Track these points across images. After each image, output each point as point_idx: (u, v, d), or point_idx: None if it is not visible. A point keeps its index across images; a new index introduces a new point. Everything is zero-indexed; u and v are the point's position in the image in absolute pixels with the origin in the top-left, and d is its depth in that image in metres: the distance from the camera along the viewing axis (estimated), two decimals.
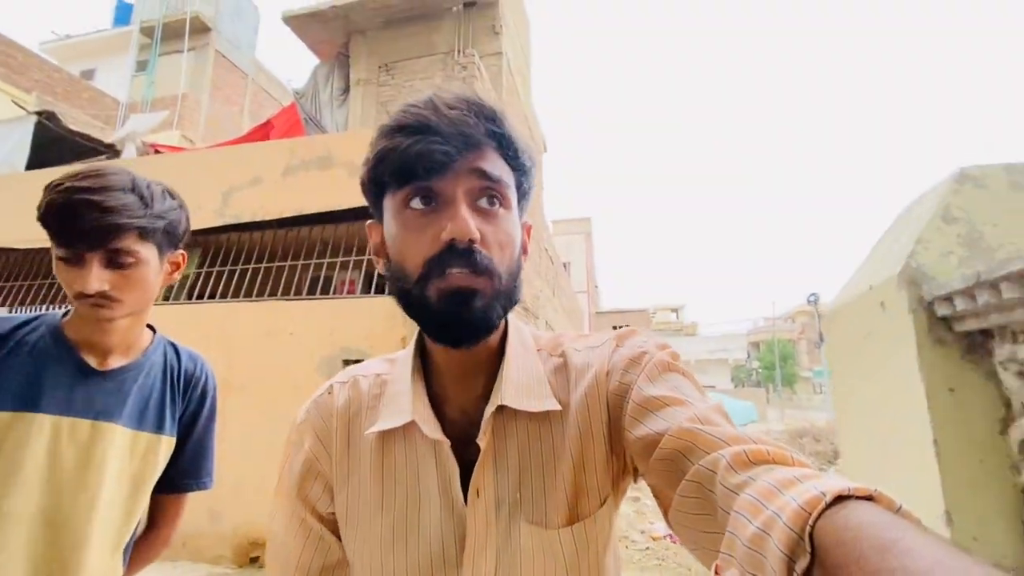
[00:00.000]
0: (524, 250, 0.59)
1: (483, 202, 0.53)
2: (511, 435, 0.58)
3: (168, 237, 0.90)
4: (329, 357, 4.09)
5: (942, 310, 1.34)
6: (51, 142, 6.55)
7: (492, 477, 0.57)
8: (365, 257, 4.56)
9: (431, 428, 0.56)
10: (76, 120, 7.52)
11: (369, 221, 0.60)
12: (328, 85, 7.21)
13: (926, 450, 1.30)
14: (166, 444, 0.95)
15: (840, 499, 0.31)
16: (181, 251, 0.96)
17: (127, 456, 0.89)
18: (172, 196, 0.92)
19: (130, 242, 0.82)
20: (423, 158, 0.49)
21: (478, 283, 0.50)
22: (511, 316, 0.61)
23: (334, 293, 4.73)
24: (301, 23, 7.17)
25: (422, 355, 0.62)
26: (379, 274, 4.40)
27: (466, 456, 0.57)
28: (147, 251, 0.85)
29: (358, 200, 4.34)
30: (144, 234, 0.84)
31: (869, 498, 0.31)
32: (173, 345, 1.02)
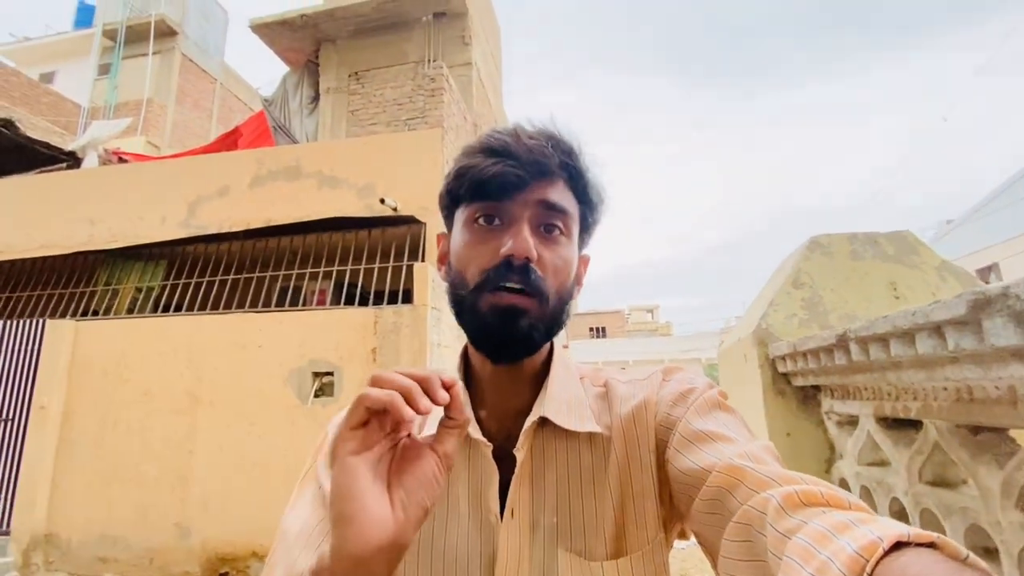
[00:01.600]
0: (579, 281, 0.62)
1: (545, 229, 0.56)
2: (550, 455, 0.57)
3: None
4: (298, 369, 4.09)
5: (781, 367, 1.54)
6: (8, 150, 6.37)
7: (528, 496, 0.55)
8: (335, 268, 4.57)
9: (473, 429, 0.56)
10: (35, 126, 7.29)
11: (440, 232, 0.66)
12: (298, 93, 7.17)
13: None
14: None
15: (899, 545, 0.30)
16: None
17: None
18: None
19: None
20: (498, 178, 0.54)
21: (527, 303, 0.53)
22: (557, 342, 0.63)
23: (304, 304, 4.73)
24: (270, 31, 7.11)
25: (466, 368, 0.64)
26: (349, 283, 4.40)
27: (500, 472, 0.56)
28: None
29: (327, 211, 4.36)
30: None
31: (931, 545, 0.30)
32: None
